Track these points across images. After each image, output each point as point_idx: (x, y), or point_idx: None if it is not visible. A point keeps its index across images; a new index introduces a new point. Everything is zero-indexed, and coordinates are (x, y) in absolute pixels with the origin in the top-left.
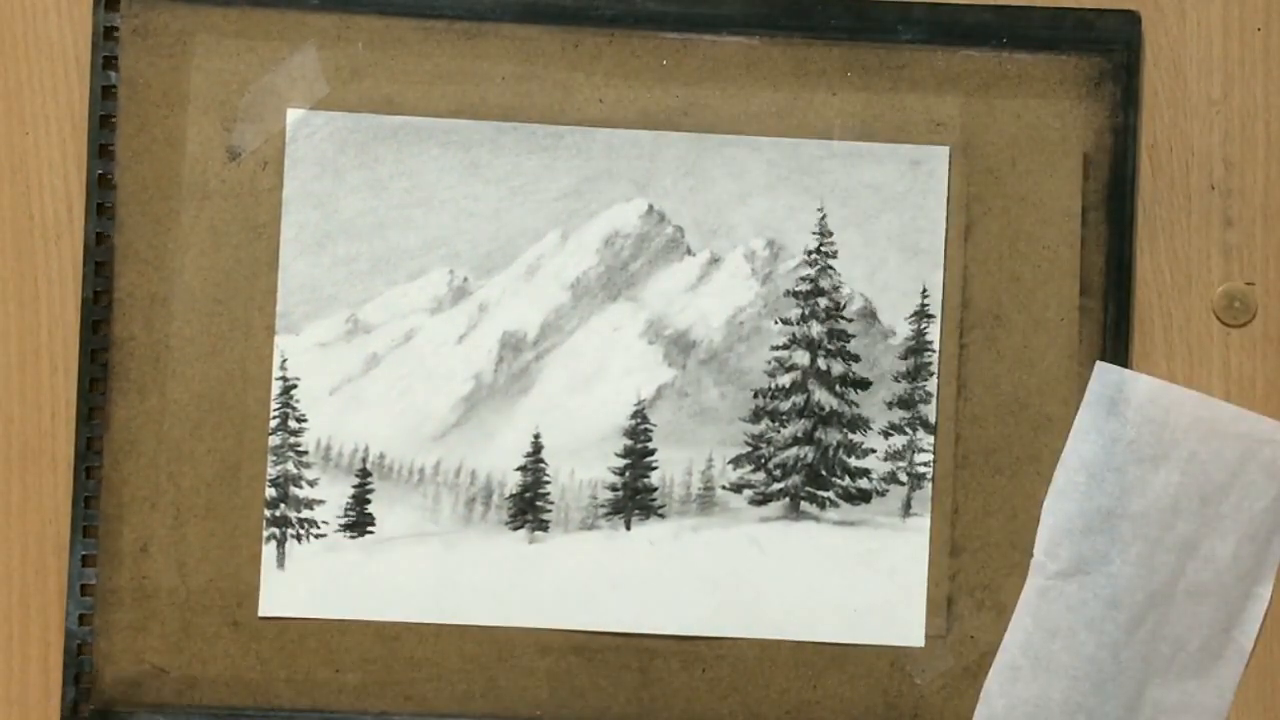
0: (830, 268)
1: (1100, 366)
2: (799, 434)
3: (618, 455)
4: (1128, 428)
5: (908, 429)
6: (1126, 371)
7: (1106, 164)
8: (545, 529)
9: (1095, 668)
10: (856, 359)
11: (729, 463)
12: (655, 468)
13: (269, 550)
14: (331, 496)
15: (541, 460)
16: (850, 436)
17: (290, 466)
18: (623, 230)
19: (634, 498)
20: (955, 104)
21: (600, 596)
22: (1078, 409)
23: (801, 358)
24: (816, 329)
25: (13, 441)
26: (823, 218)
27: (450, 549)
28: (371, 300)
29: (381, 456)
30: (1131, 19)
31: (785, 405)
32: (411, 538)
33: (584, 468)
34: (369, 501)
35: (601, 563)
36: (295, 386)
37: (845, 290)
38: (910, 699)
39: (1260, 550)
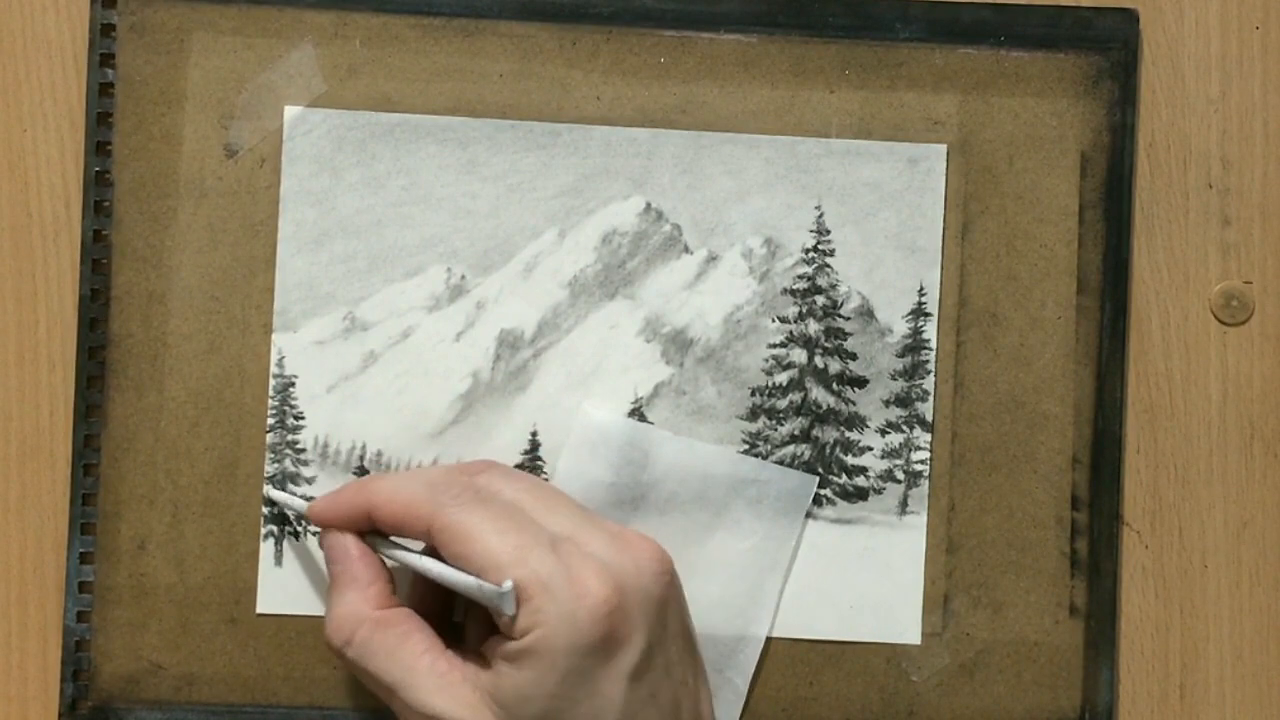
0: (827, 266)
1: (582, 411)
2: (796, 432)
3: None
4: (608, 471)
5: (904, 427)
6: (607, 416)
7: (1104, 162)
8: None
9: None
10: (854, 357)
11: None
12: None
13: (267, 547)
14: None
15: (539, 458)
16: (847, 434)
17: (288, 464)
18: (620, 228)
19: None
20: (953, 102)
21: None
22: (1075, 407)
23: (799, 356)
24: (814, 327)
25: (11, 439)
26: (820, 216)
27: None
28: (369, 298)
29: (379, 454)
30: (1130, 17)
31: (782, 403)
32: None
33: None
34: None
35: None
36: (293, 384)
37: (842, 288)
38: (906, 696)
39: (752, 591)
